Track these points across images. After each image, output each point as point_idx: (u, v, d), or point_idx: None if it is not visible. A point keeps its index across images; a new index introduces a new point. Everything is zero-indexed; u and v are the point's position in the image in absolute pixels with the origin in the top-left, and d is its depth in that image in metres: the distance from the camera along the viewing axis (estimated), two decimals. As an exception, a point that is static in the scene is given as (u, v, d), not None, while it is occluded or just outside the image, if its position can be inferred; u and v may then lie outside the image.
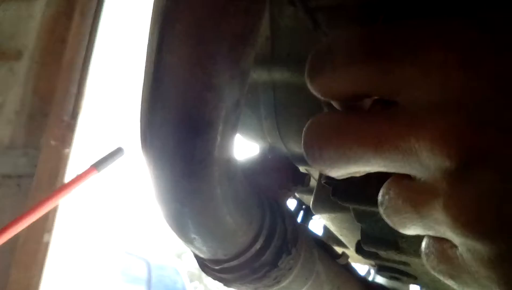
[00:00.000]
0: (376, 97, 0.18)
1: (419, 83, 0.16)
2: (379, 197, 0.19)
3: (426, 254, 0.19)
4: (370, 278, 1.01)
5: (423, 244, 0.20)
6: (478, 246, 0.16)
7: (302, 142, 0.20)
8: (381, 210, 0.19)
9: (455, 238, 0.17)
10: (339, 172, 0.19)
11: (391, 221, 0.19)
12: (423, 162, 0.16)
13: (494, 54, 0.15)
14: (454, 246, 0.18)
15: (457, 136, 0.15)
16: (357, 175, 0.19)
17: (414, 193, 0.17)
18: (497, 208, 0.15)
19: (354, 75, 0.18)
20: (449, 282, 0.19)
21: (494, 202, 0.15)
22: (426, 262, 0.20)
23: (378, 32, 0.17)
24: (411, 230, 0.19)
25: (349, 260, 0.65)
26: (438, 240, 0.19)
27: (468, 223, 0.15)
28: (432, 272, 0.19)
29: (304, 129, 0.20)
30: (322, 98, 0.20)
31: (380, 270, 0.65)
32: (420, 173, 0.17)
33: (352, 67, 0.18)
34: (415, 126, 0.16)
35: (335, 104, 0.21)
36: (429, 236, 0.19)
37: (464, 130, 0.15)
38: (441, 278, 0.19)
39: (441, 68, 0.15)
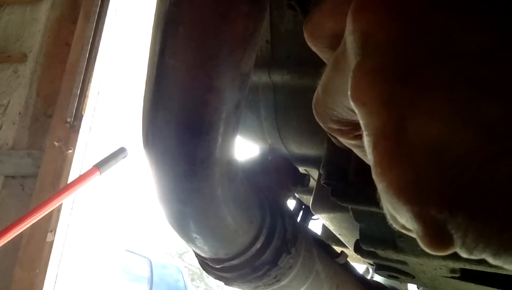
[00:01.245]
0: None
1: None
2: None
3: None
4: (368, 277, 1.01)
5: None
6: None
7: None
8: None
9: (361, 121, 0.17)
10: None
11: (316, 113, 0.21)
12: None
13: None
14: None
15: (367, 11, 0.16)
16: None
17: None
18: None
19: (333, 14, 0.21)
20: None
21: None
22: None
23: None
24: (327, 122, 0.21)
25: (348, 259, 0.66)
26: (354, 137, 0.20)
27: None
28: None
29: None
30: (312, 43, 0.22)
31: (379, 269, 0.65)
32: None
33: (333, 8, 0.20)
34: None
35: (322, 51, 0.23)
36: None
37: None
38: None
39: None
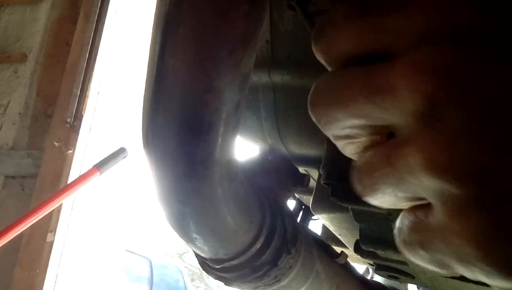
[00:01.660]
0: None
1: (404, 32, 0.16)
2: (356, 163, 0.19)
3: (399, 229, 0.18)
4: (368, 277, 1.01)
5: (396, 223, 0.19)
6: (452, 191, 0.14)
7: (309, 102, 0.20)
8: (354, 177, 0.19)
9: (428, 188, 0.16)
10: (335, 124, 0.19)
11: (362, 185, 0.18)
12: (398, 104, 0.16)
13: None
14: (426, 208, 0.17)
15: (429, 69, 0.15)
16: (352, 136, 0.19)
17: (390, 148, 0.17)
18: (471, 148, 0.14)
19: (349, 32, 0.18)
20: (420, 258, 0.18)
21: (468, 141, 0.14)
22: (398, 239, 0.19)
23: None
24: (380, 194, 0.18)
25: (348, 259, 0.66)
26: (410, 210, 0.18)
27: (441, 163, 0.14)
28: (404, 251, 0.18)
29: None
30: (325, 61, 0.20)
31: (379, 269, 0.65)
32: (398, 120, 0.16)
33: (348, 25, 0.18)
34: (390, 71, 0.16)
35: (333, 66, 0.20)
36: (403, 212, 0.19)
37: (436, 64, 0.15)
38: (411, 254, 0.18)
39: (422, 12, 0.15)
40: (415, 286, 1.07)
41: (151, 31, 0.35)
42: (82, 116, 1.77)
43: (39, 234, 1.61)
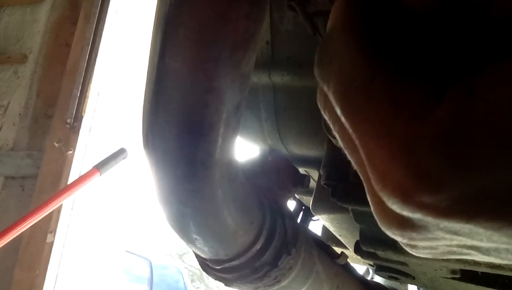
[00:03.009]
0: None
1: None
2: None
3: None
4: (368, 278, 1.01)
5: None
6: None
7: None
8: None
9: None
10: None
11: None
12: None
13: None
14: None
15: None
16: None
17: None
18: None
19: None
20: None
21: None
22: None
23: None
24: None
25: (348, 260, 0.66)
26: None
27: None
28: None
29: None
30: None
31: (379, 270, 0.65)
32: None
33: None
34: None
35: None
36: None
37: None
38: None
39: None
40: (415, 287, 1.07)
41: (152, 32, 0.35)
42: (82, 117, 1.77)
43: (39, 234, 1.61)
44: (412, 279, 0.66)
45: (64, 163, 1.72)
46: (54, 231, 1.62)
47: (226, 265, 0.48)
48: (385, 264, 0.62)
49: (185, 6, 0.31)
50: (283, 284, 0.51)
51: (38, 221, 1.00)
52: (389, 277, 0.68)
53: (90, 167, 1.10)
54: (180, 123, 0.35)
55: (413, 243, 0.17)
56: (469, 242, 0.16)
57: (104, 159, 1.11)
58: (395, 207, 0.15)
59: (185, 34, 0.32)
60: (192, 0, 0.31)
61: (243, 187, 0.45)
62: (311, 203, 0.63)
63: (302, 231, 0.54)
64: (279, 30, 0.51)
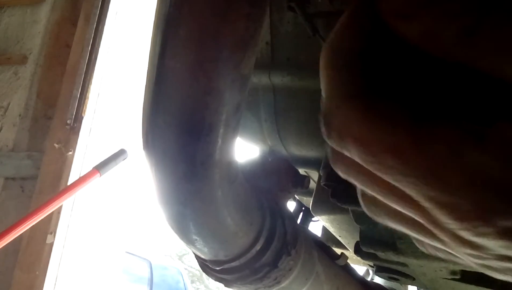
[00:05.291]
0: None
1: None
2: None
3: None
4: (368, 279, 1.01)
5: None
6: None
7: None
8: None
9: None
10: None
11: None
12: None
13: None
14: None
15: None
16: None
17: None
18: None
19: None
20: None
21: None
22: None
23: None
24: None
25: (348, 261, 0.65)
26: None
27: None
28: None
29: None
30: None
31: (379, 270, 0.65)
32: None
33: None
34: None
35: None
36: None
37: None
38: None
39: None
40: (415, 287, 1.07)
41: (151, 33, 0.35)
42: (82, 118, 1.77)
43: (39, 235, 1.61)
44: (412, 280, 0.66)
45: (64, 164, 1.72)
46: (54, 232, 1.62)
47: (226, 266, 0.48)
48: (385, 265, 0.62)
49: (185, 7, 0.31)
50: (283, 285, 0.51)
51: (38, 222, 1.01)
52: (389, 278, 0.68)
53: (90, 168, 1.10)
54: (180, 124, 0.35)
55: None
56: None
57: (104, 160, 1.11)
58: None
59: (185, 35, 0.32)
60: (192, 1, 0.31)
61: (243, 188, 0.45)
62: (311, 204, 0.63)
63: (302, 232, 0.54)
64: (279, 31, 0.51)
